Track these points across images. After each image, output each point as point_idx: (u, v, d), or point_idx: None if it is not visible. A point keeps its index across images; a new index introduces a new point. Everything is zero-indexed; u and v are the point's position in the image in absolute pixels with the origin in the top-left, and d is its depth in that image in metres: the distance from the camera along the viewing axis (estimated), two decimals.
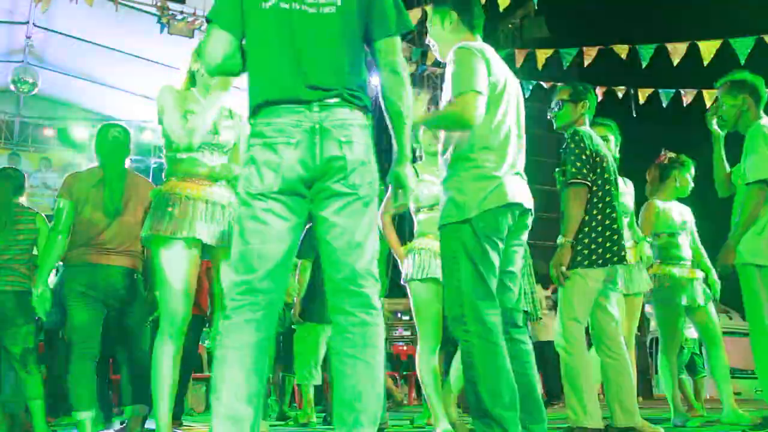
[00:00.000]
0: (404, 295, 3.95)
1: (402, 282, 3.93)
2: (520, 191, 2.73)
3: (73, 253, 3.73)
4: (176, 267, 3.08)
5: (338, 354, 2.01)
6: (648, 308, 5.84)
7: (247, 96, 2.10)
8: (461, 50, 2.74)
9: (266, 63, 2.07)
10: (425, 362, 3.81)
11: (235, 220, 2.09)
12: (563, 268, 3.35)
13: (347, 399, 1.97)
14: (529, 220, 2.82)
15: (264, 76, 2.07)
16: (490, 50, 2.82)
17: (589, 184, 3.40)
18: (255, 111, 2.07)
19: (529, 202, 2.77)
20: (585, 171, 3.40)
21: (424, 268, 3.77)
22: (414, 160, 3.85)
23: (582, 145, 3.44)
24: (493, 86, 2.72)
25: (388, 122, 2.21)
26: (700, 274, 4.66)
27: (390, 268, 4.97)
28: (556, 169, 3.60)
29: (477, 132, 2.70)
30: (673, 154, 4.73)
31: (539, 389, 2.79)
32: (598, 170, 3.44)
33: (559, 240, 3.39)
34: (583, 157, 3.42)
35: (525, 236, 2.85)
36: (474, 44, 2.81)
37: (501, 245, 2.68)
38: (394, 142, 2.21)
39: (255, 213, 2.00)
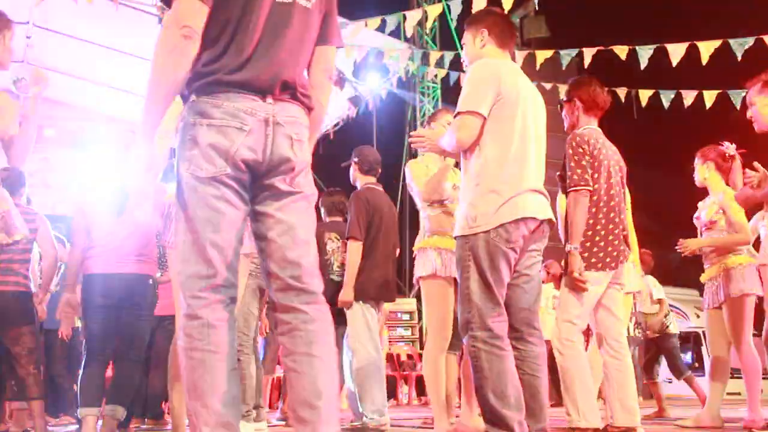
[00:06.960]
0: (404, 295, 3.94)
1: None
2: (534, 205, 2.79)
3: (90, 262, 3.79)
4: None
5: (291, 354, 1.92)
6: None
7: (194, 69, 1.93)
8: (477, 67, 2.83)
9: (233, 43, 1.93)
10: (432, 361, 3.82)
11: (176, 205, 1.93)
12: (577, 275, 3.33)
13: (307, 398, 1.87)
14: (547, 230, 2.90)
15: (226, 55, 1.92)
16: (508, 67, 2.88)
17: (591, 189, 3.40)
18: (202, 88, 1.92)
19: (544, 213, 2.83)
20: (587, 176, 3.39)
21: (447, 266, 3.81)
22: None
23: (581, 150, 3.44)
24: (503, 104, 2.78)
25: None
26: None
27: None
28: (557, 173, 3.59)
29: (491, 147, 2.77)
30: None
31: (545, 391, 2.85)
32: (598, 173, 3.44)
33: (567, 248, 3.38)
34: (583, 162, 3.41)
35: (543, 243, 2.93)
36: (492, 62, 2.88)
37: (514, 255, 2.77)
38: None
39: (206, 200, 1.89)
